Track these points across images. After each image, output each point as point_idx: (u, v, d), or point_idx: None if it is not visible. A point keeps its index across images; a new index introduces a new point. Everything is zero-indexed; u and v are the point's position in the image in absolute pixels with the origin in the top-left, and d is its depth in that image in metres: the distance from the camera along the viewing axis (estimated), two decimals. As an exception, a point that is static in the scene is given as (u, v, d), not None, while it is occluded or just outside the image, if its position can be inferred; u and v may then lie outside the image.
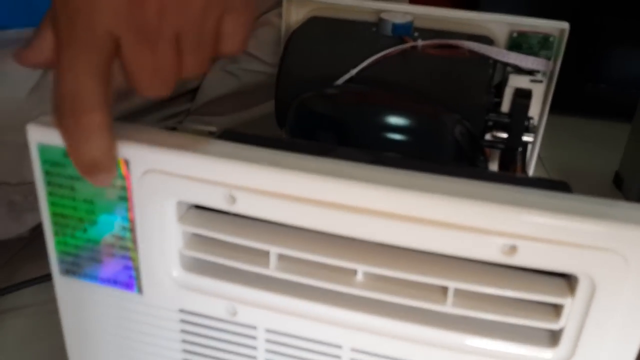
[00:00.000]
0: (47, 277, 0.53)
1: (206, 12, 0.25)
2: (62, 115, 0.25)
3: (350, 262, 0.26)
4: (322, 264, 0.27)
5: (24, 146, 0.28)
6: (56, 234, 0.30)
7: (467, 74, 0.48)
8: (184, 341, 0.31)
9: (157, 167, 0.26)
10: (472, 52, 0.49)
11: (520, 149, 0.48)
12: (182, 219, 0.28)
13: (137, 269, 0.30)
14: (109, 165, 0.26)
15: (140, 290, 0.30)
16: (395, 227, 0.24)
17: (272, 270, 0.27)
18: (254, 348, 0.30)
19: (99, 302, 0.32)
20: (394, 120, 0.41)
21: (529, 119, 0.48)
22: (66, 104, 0.24)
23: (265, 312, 0.28)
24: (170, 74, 0.25)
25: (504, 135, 0.48)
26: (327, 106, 0.44)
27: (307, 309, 0.28)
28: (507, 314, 0.25)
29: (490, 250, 0.24)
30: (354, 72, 0.48)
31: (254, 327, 0.29)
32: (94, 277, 0.31)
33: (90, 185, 0.28)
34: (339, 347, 0.28)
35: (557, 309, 0.25)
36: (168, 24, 0.24)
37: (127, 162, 0.27)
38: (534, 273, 0.25)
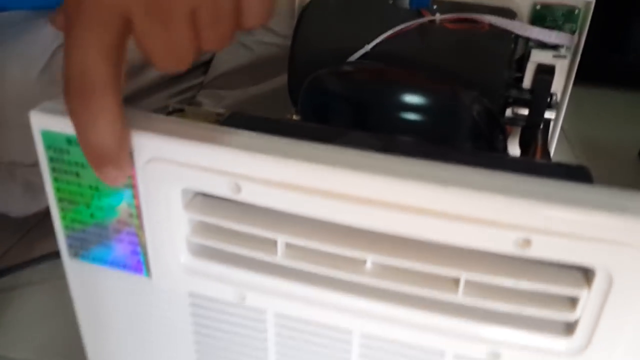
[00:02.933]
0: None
1: None
2: (70, 97, 0.23)
3: (359, 252, 0.25)
4: (331, 252, 0.26)
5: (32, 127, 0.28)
6: (63, 218, 0.30)
7: (487, 48, 0.46)
8: (195, 323, 0.31)
9: (160, 155, 0.26)
10: (493, 26, 0.47)
11: (541, 126, 0.46)
12: (188, 206, 0.27)
13: (145, 254, 0.30)
14: (119, 156, 0.24)
15: (149, 274, 0.30)
16: (406, 218, 0.23)
17: (279, 258, 0.27)
18: (264, 332, 0.29)
19: (109, 285, 0.31)
20: (409, 99, 0.40)
21: (552, 95, 0.47)
22: (74, 84, 0.23)
23: (274, 298, 0.28)
24: (186, 50, 0.24)
25: (525, 112, 0.46)
26: (340, 85, 0.42)
27: (316, 295, 0.27)
28: (520, 304, 0.24)
29: (503, 243, 0.23)
30: (368, 47, 0.46)
31: (264, 312, 0.29)
32: (102, 261, 0.31)
33: (92, 171, 0.28)
34: (349, 332, 0.28)
35: (572, 300, 0.25)
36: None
37: (130, 150, 0.26)
38: (549, 264, 0.24)
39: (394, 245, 0.25)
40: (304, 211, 0.25)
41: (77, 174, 0.28)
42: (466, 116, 0.41)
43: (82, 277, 0.32)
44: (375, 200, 0.24)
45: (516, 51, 0.47)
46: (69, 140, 0.27)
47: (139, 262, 0.30)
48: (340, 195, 0.24)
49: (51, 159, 0.28)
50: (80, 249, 0.31)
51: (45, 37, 0.54)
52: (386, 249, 0.25)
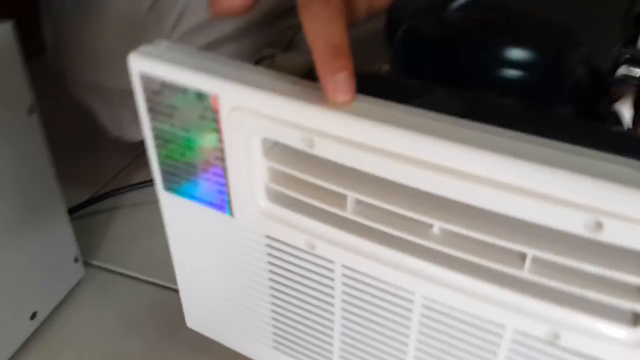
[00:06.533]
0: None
1: None
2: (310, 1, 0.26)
3: (427, 216, 0.26)
4: (399, 213, 0.26)
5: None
6: (158, 154, 0.32)
7: (601, 1, 0.42)
8: (270, 263, 0.33)
9: (243, 104, 0.27)
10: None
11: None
12: (267, 154, 0.29)
13: (229, 194, 0.31)
14: (347, 48, 0.26)
15: (232, 213, 0.32)
16: (475, 188, 0.23)
17: (348, 213, 0.27)
18: (331, 280, 0.31)
19: (196, 218, 0.34)
20: (509, 53, 0.38)
21: (675, 54, 0.42)
22: None
23: (342, 250, 0.29)
24: None
25: (641, 72, 0.43)
26: (438, 33, 0.41)
27: (382, 253, 0.28)
28: (586, 287, 0.24)
29: (573, 224, 0.22)
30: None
31: (332, 262, 0.30)
32: (192, 196, 0.33)
33: (186, 114, 0.29)
34: (412, 293, 0.28)
35: (646, 289, 0.24)
36: None
37: (217, 97, 0.28)
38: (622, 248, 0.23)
39: (463, 212, 0.25)
40: (376, 172, 0.25)
41: (171, 115, 0.30)
42: (569, 78, 0.39)
43: (173, 208, 0.35)
44: (446, 168, 0.23)
45: (636, 4, 0.43)
46: (163, 84, 0.29)
47: (223, 201, 0.32)
48: (411, 159, 0.24)
49: (148, 100, 0.30)
50: (172, 183, 0.33)
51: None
52: (455, 216, 0.25)
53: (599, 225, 0.21)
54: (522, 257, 0.25)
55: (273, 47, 0.65)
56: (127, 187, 0.60)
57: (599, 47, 0.40)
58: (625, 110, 0.45)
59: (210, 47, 0.60)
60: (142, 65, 0.29)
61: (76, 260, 0.50)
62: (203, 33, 0.59)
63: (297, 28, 0.65)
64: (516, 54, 0.38)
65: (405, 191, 0.26)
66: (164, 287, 0.52)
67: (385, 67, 0.46)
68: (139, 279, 0.52)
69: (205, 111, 0.28)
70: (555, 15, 0.42)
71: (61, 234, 0.47)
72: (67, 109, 0.68)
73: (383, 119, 0.24)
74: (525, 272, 0.25)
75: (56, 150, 0.46)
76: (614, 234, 0.21)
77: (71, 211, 0.50)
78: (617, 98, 0.43)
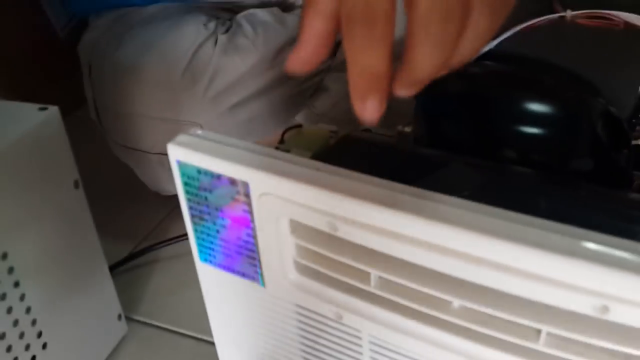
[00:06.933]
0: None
1: None
2: (352, 23, 0.24)
3: (447, 294, 0.27)
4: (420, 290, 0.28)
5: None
6: (195, 231, 0.35)
7: (622, 49, 0.44)
8: (301, 329, 0.35)
9: (271, 191, 0.29)
10: (629, 25, 0.44)
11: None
12: (295, 232, 0.31)
13: (260, 267, 0.34)
14: (386, 85, 0.24)
15: (264, 283, 0.34)
16: (491, 273, 0.25)
17: (372, 288, 0.29)
18: (360, 347, 0.33)
19: (231, 288, 0.36)
20: (527, 107, 0.39)
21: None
22: (358, 11, 0.24)
23: (367, 322, 0.31)
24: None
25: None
26: (457, 90, 0.42)
27: (405, 325, 0.30)
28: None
29: (582, 306, 0.23)
30: (492, 44, 0.46)
31: (359, 331, 0.32)
32: (227, 268, 0.35)
33: (220, 197, 0.32)
34: (437, 362, 0.30)
35: (659, 361, 0.25)
36: None
37: (247, 184, 0.30)
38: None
39: (481, 290, 0.27)
40: (394, 254, 0.27)
41: (206, 198, 0.33)
42: (588, 131, 0.40)
43: (210, 278, 0.37)
44: (463, 253, 0.25)
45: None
46: (198, 171, 0.31)
47: (256, 273, 0.34)
48: (429, 245, 0.26)
49: (185, 183, 0.33)
50: (208, 256, 0.36)
51: (188, 37, 0.60)
52: (473, 292, 0.27)
53: (605, 308, 0.23)
54: (538, 331, 0.26)
55: (302, 94, 0.67)
56: (165, 241, 0.63)
57: (619, 92, 0.41)
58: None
59: (243, 103, 0.63)
60: (179, 154, 0.31)
61: (120, 317, 0.52)
62: (235, 91, 0.62)
63: (324, 72, 0.67)
64: (532, 107, 0.39)
65: (427, 270, 0.28)
66: (204, 340, 0.54)
67: (407, 129, 0.47)
68: (180, 333, 0.55)
69: (237, 195, 0.31)
70: (574, 64, 0.43)
71: (105, 294, 0.50)
72: (107, 158, 0.72)
73: (401, 206, 0.26)
74: (541, 346, 0.26)
75: (95, 202, 0.48)
76: (620, 316, 0.23)
77: (112, 267, 0.53)
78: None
